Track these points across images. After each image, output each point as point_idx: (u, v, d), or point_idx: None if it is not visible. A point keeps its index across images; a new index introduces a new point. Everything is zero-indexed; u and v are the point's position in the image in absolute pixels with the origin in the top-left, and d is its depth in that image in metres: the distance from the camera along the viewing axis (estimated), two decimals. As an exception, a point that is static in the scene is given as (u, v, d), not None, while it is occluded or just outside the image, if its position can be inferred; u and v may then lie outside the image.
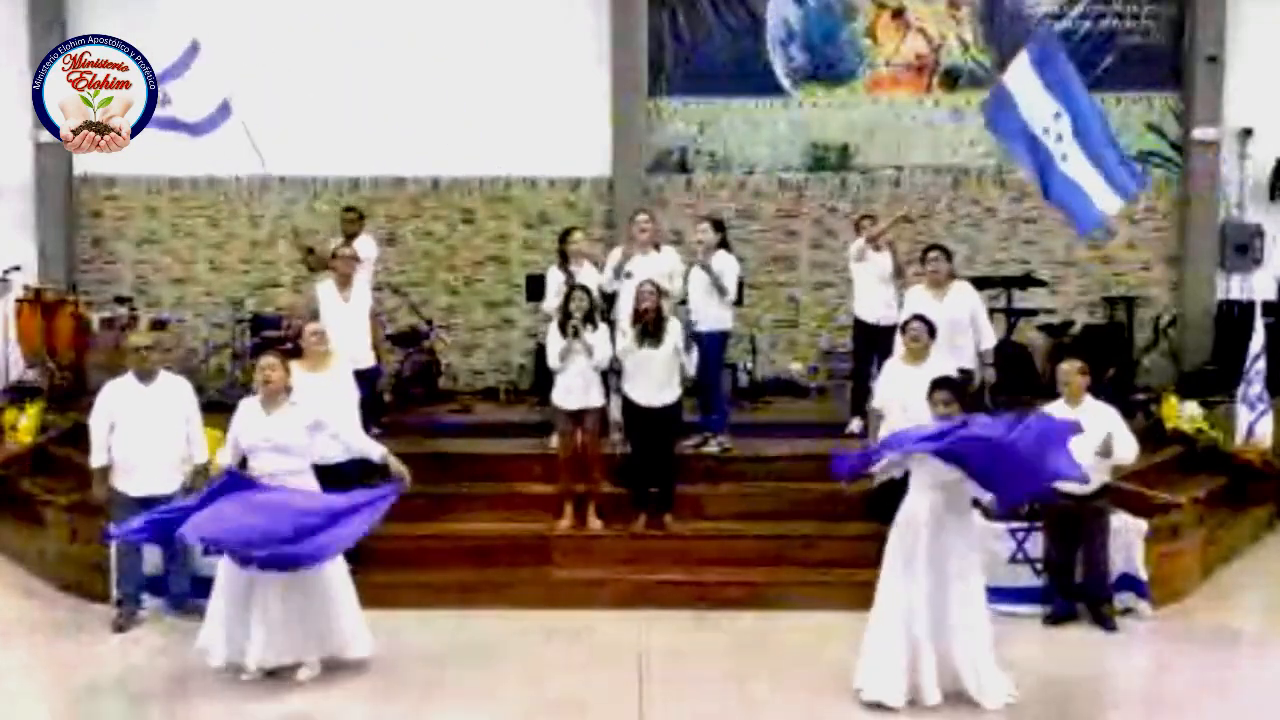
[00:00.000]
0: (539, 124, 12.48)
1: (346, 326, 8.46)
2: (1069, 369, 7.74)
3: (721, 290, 9.17)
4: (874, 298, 9.64)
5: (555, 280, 9.34)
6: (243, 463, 6.91)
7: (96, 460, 7.60)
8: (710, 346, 9.19)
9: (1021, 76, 8.67)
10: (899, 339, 8.08)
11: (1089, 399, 7.67)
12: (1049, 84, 8.57)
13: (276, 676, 6.64)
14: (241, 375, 10.95)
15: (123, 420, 7.53)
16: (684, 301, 9.43)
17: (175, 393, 7.73)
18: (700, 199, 12.79)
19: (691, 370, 8.68)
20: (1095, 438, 7.52)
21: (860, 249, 9.69)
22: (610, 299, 9.19)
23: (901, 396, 7.65)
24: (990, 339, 8.83)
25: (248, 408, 6.94)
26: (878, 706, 6.21)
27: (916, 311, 8.09)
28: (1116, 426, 7.56)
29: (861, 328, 9.74)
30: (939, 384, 6.55)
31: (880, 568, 6.48)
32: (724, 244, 9.44)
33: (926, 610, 6.23)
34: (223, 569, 6.77)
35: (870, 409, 8.15)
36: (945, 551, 6.26)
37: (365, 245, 9.86)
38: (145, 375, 7.62)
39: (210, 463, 7.82)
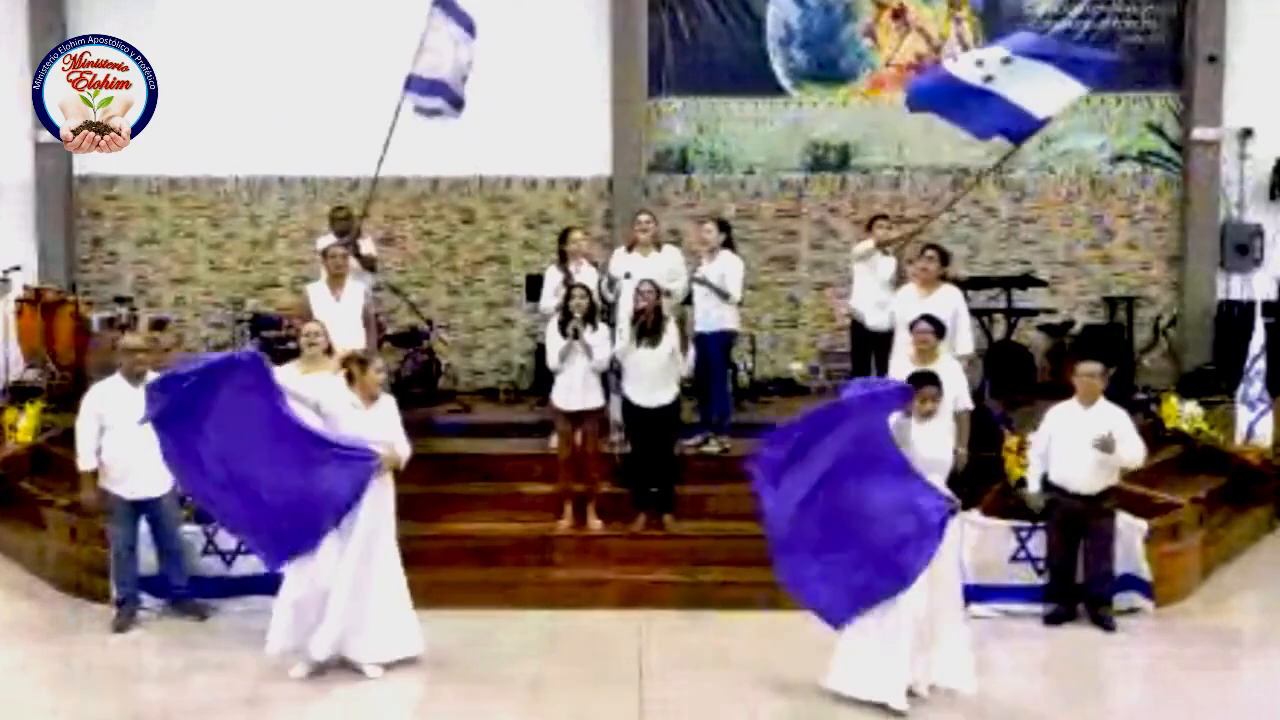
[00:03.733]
0: (539, 124, 12.47)
1: (339, 326, 8.46)
2: (1092, 369, 7.68)
3: (723, 295, 9.17)
4: (873, 300, 9.56)
5: (553, 280, 9.33)
6: None
7: (86, 464, 7.51)
8: (713, 346, 9.19)
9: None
10: (901, 340, 8.07)
11: (1103, 401, 7.65)
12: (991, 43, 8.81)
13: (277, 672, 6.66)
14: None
15: (113, 423, 7.44)
16: (688, 301, 9.42)
17: None
18: (700, 199, 12.78)
19: (686, 372, 8.68)
20: None
21: (867, 250, 9.60)
22: (608, 305, 9.16)
23: None
24: (967, 346, 8.68)
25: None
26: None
27: (904, 310, 8.08)
28: (1126, 428, 7.55)
29: (859, 329, 9.71)
30: (924, 379, 6.59)
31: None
32: (729, 244, 9.44)
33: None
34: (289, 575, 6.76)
35: None
36: None
37: (367, 244, 9.92)
38: (135, 377, 7.52)
39: None
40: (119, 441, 7.44)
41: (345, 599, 6.61)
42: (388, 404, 7.07)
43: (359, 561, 6.66)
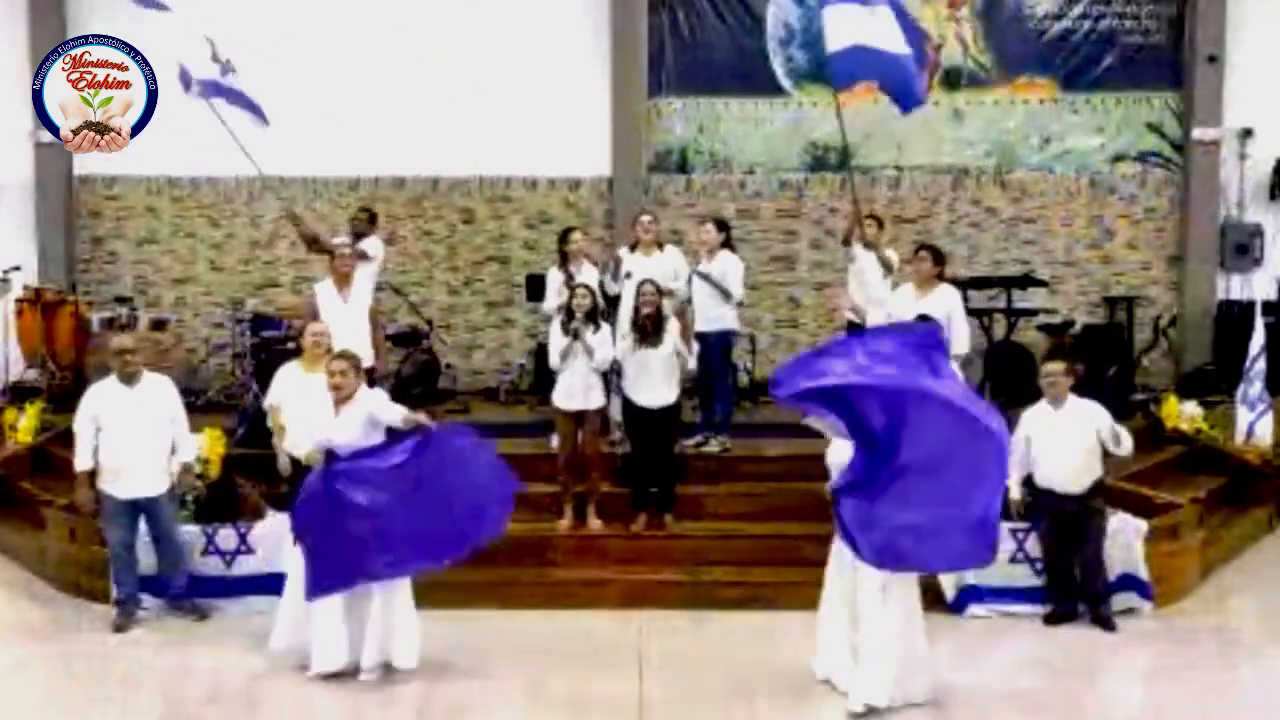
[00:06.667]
0: (539, 124, 12.48)
1: (346, 326, 8.45)
2: (1054, 369, 7.74)
3: (725, 294, 9.18)
4: (865, 298, 9.57)
5: (555, 280, 9.33)
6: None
7: (81, 464, 7.56)
8: (715, 346, 9.19)
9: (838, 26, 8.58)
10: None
11: (1073, 399, 7.66)
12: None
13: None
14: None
15: (108, 423, 7.50)
16: (689, 301, 9.42)
17: (159, 393, 7.71)
18: (700, 199, 12.79)
19: (691, 365, 8.68)
20: (1084, 437, 7.53)
21: (848, 253, 9.75)
22: (612, 300, 9.17)
23: None
24: (962, 345, 8.63)
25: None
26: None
27: (900, 310, 8.11)
28: (1105, 422, 7.56)
29: (857, 329, 9.71)
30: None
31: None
32: (728, 243, 9.44)
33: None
34: (292, 573, 6.78)
35: None
36: None
37: (373, 245, 9.89)
38: (129, 378, 7.58)
39: (197, 460, 7.97)
40: (114, 442, 7.50)
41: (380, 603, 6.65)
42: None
43: None
